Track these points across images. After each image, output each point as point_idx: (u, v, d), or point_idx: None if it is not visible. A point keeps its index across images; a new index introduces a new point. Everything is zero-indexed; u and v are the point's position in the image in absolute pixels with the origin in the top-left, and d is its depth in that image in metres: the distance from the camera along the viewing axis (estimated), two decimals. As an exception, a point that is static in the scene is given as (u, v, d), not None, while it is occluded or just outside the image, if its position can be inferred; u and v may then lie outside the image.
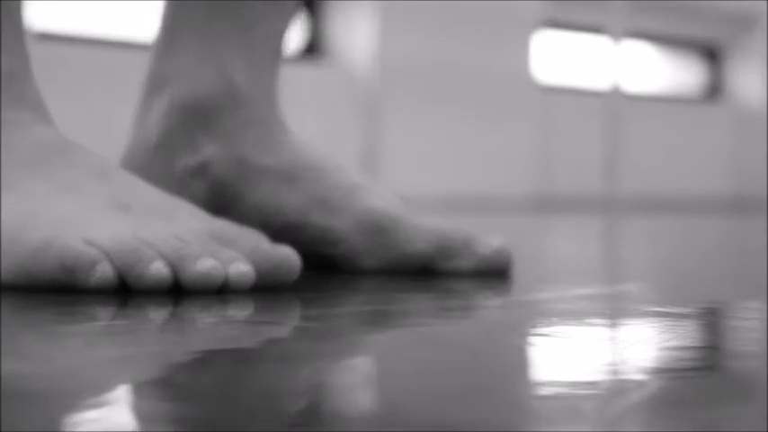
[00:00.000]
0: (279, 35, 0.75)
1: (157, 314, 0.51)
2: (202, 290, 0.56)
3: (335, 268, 0.72)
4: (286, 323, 0.51)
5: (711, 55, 4.97)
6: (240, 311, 0.52)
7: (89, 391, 0.33)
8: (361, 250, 0.71)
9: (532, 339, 0.46)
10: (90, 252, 0.56)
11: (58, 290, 0.57)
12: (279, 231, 0.70)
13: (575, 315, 0.53)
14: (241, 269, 0.57)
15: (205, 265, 0.56)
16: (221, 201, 0.72)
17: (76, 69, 2.93)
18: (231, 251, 0.58)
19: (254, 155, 0.72)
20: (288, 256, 0.59)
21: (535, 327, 0.49)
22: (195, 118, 0.72)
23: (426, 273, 0.70)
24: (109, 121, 2.53)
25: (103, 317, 0.51)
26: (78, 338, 0.44)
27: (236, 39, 0.73)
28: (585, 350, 0.43)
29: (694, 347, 0.44)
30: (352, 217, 0.71)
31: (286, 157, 0.72)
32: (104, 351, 0.42)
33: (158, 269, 0.55)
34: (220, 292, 0.56)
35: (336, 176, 0.72)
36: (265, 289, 0.58)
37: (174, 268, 0.56)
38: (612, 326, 0.50)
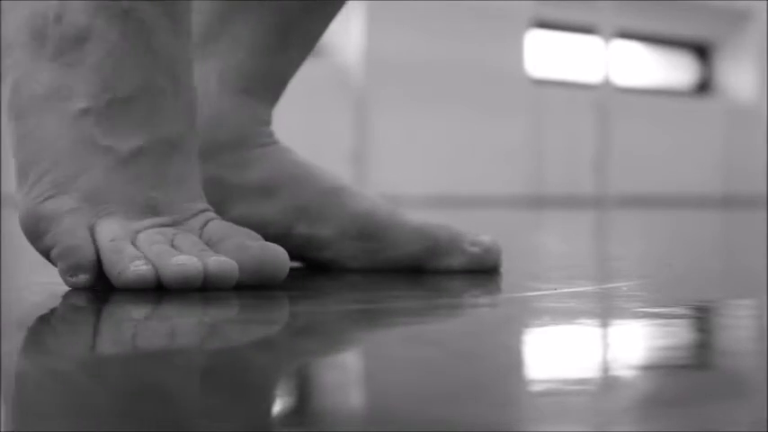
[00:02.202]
0: (281, 78, 0.74)
1: (142, 313, 0.51)
2: (183, 285, 0.56)
3: (324, 268, 0.72)
4: (275, 321, 0.51)
5: (702, 52, 4.99)
6: (228, 310, 0.52)
7: (78, 391, 0.33)
8: (349, 254, 0.71)
9: (522, 337, 0.46)
10: (80, 255, 0.57)
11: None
12: None
13: (565, 313, 0.52)
14: (221, 262, 0.56)
15: (181, 258, 0.56)
16: None
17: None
18: (213, 251, 0.58)
19: (231, 175, 0.72)
20: (276, 254, 0.59)
21: (525, 325, 0.49)
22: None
23: (416, 271, 0.70)
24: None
25: (85, 316, 0.51)
26: (64, 338, 0.44)
27: (245, 70, 0.72)
28: (576, 348, 0.43)
29: (685, 345, 0.44)
30: (336, 223, 0.71)
31: (265, 170, 0.72)
32: (85, 350, 0.41)
33: (138, 266, 0.56)
34: (205, 289, 0.56)
35: (316, 184, 0.72)
36: (254, 287, 0.58)
37: (154, 266, 0.56)
38: (603, 324, 0.50)
